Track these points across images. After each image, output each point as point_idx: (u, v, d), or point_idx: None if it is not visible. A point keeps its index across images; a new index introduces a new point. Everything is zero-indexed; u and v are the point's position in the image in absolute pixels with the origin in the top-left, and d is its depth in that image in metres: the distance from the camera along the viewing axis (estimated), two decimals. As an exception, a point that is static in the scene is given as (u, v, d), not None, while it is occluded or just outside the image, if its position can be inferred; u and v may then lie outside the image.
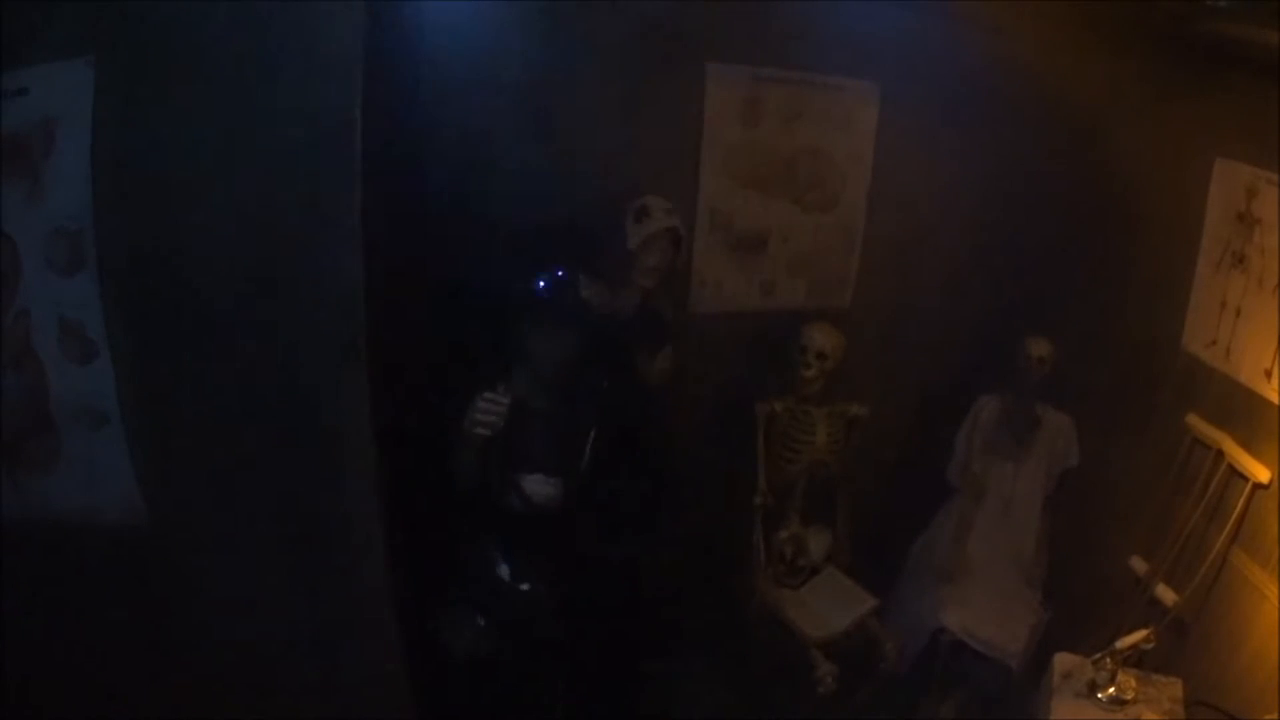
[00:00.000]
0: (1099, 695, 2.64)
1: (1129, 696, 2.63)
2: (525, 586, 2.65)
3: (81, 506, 2.25)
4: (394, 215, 2.40)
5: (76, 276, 2.15)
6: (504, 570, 2.64)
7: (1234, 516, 2.86)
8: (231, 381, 2.17)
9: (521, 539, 2.64)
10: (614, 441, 2.66)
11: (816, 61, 3.22)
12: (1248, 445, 2.89)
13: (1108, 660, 2.64)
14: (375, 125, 2.08)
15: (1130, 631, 2.70)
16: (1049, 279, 3.44)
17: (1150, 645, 2.64)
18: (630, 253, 2.86)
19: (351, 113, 2.04)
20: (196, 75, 2.07)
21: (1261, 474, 2.79)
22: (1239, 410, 2.97)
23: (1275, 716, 2.48)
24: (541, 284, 2.52)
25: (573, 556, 2.69)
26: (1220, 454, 2.96)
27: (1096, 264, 3.44)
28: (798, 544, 3.30)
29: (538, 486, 2.58)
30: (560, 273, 2.54)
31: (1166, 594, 3.02)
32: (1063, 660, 2.79)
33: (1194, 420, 3.12)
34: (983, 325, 3.50)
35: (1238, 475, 2.89)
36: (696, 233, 3.24)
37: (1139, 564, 3.21)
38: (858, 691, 3.16)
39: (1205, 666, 2.82)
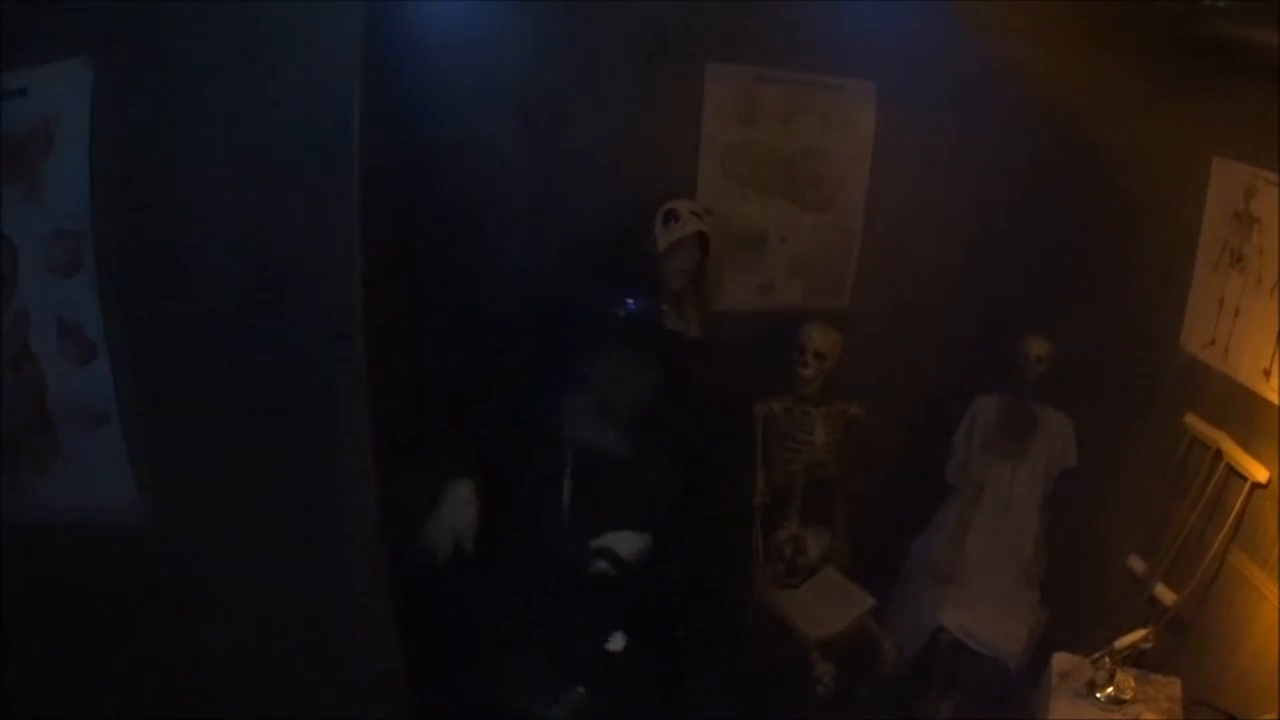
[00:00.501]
0: (1098, 695, 2.64)
1: (1128, 696, 2.63)
2: (624, 651, 2.35)
3: (80, 506, 2.24)
4: (393, 216, 2.40)
5: (75, 277, 2.15)
6: (617, 640, 2.31)
7: (1232, 516, 2.86)
8: (230, 381, 2.17)
9: (599, 600, 2.33)
10: (695, 483, 2.42)
11: (815, 61, 3.22)
12: (1246, 445, 2.89)
13: (1106, 660, 2.64)
14: (374, 126, 2.08)
15: (1129, 631, 2.70)
16: (1048, 279, 3.44)
17: (1149, 645, 2.64)
18: (658, 256, 2.85)
19: (350, 113, 2.04)
20: (196, 75, 2.07)
21: (1260, 473, 2.80)
22: (1237, 410, 2.97)
23: (1274, 716, 2.48)
24: (622, 314, 2.31)
25: (657, 610, 2.41)
26: (1219, 454, 2.96)
27: (1095, 264, 3.44)
28: (796, 544, 3.30)
29: (628, 545, 2.29)
30: (638, 301, 2.36)
31: (1165, 593, 3.02)
32: (1061, 660, 2.80)
33: (1192, 420, 3.13)
34: (981, 325, 3.50)
35: (1236, 475, 2.89)
36: (695, 232, 3.24)
37: (1137, 563, 3.21)
38: (856, 691, 3.17)
39: (1204, 666, 2.82)
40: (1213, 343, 3.12)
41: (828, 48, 3.18)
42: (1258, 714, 2.53)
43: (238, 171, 2.09)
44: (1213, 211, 3.14)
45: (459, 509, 2.18)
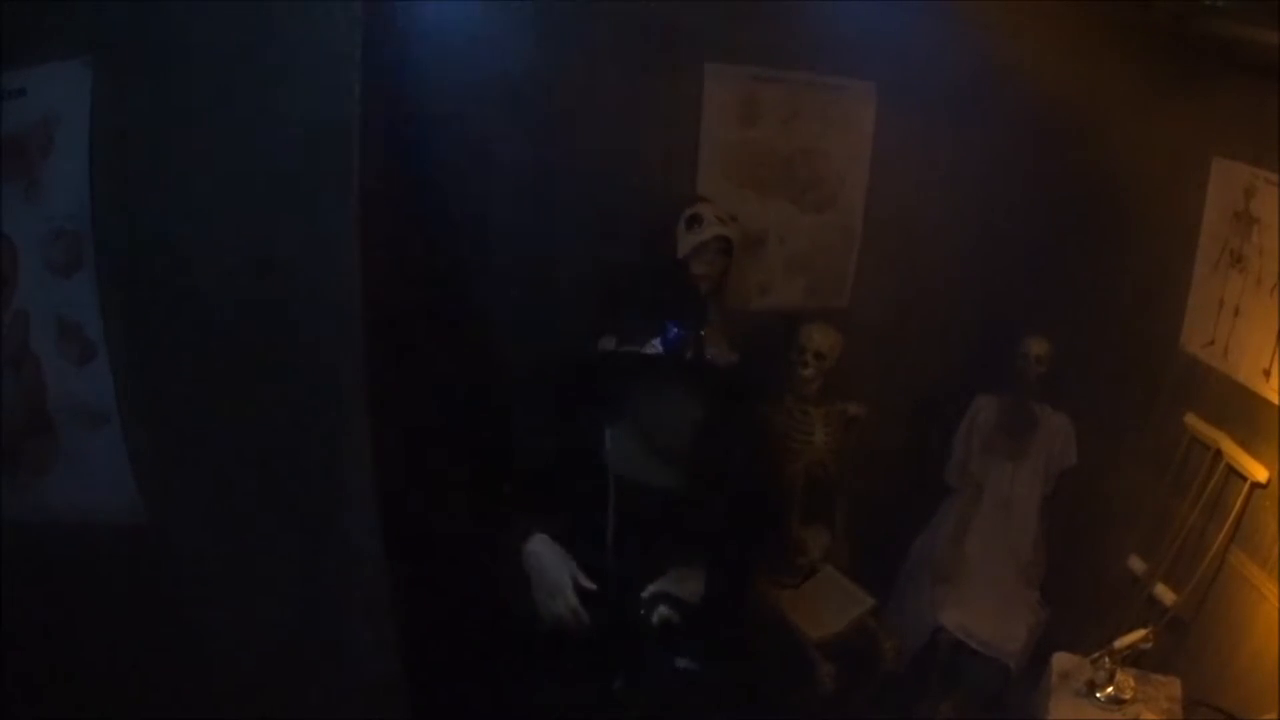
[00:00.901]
0: (1097, 695, 2.64)
1: (1127, 696, 2.63)
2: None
3: (80, 506, 2.25)
4: (392, 217, 2.39)
5: (75, 277, 2.15)
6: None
7: (1232, 516, 2.86)
8: (230, 381, 2.17)
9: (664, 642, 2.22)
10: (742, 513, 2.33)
11: (814, 61, 3.23)
12: (1246, 445, 2.89)
13: (1106, 660, 2.64)
14: (374, 126, 2.08)
15: (1129, 631, 2.70)
16: (1047, 279, 3.44)
17: (1149, 645, 2.64)
18: (680, 261, 2.86)
19: (349, 113, 2.04)
20: (195, 75, 2.07)
21: (1260, 473, 2.80)
22: (1237, 410, 2.97)
23: (1274, 716, 2.48)
24: (661, 345, 2.17)
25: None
26: (1219, 453, 2.96)
27: (1095, 264, 3.44)
28: (796, 544, 3.30)
29: (686, 585, 2.19)
30: (678, 330, 2.19)
31: (1165, 593, 3.02)
32: (1061, 660, 2.79)
33: (1192, 420, 3.13)
34: (981, 325, 3.50)
35: (1236, 475, 2.89)
36: (695, 232, 3.23)
37: (1137, 563, 3.22)
38: (856, 691, 3.16)
39: (1204, 666, 2.82)
40: (1212, 343, 3.12)
41: (828, 48, 3.18)
42: (1258, 714, 2.53)
43: (237, 171, 2.09)
44: (1213, 211, 3.14)
45: (555, 561, 2.14)
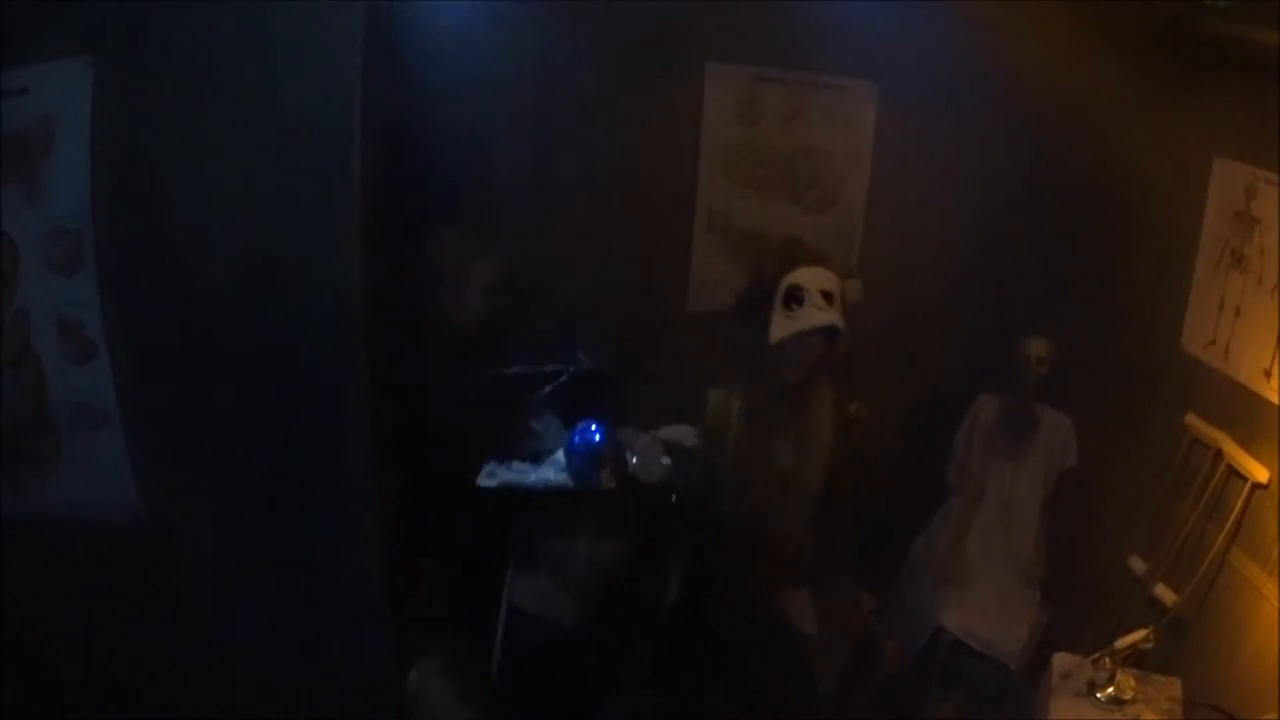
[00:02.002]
0: (1098, 695, 2.64)
1: (1128, 696, 2.63)
2: None
3: (81, 505, 2.25)
4: (392, 217, 2.39)
5: (75, 276, 2.16)
6: None
7: (1233, 516, 2.85)
8: (230, 380, 2.18)
9: None
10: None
11: (815, 61, 3.22)
12: (1247, 445, 2.89)
13: (1107, 660, 2.64)
14: (374, 127, 2.08)
15: (1129, 631, 2.69)
16: (1048, 279, 3.44)
17: (1149, 645, 2.64)
18: (770, 345, 2.32)
19: (350, 113, 2.04)
20: (196, 75, 2.08)
21: (1260, 474, 2.79)
22: (1238, 410, 2.96)
23: (1275, 716, 2.47)
24: (568, 472, 1.71)
25: None
26: (1219, 454, 2.96)
27: (1095, 264, 3.44)
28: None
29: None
30: (594, 429, 1.72)
31: (1165, 594, 3.02)
32: (1062, 660, 2.79)
33: (1193, 420, 3.12)
34: (982, 325, 3.50)
35: (1237, 475, 2.88)
36: (695, 232, 3.24)
37: (1138, 564, 3.21)
38: (857, 691, 3.16)
39: (1204, 666, 2.81)
40: (1213, 343, 3.11)
41: (828, 48, 3.17)
42: (1258, 714, 2.53)
43: (238, 171, 2.09)
44: (1213, 211, 3.14)
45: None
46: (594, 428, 1.77)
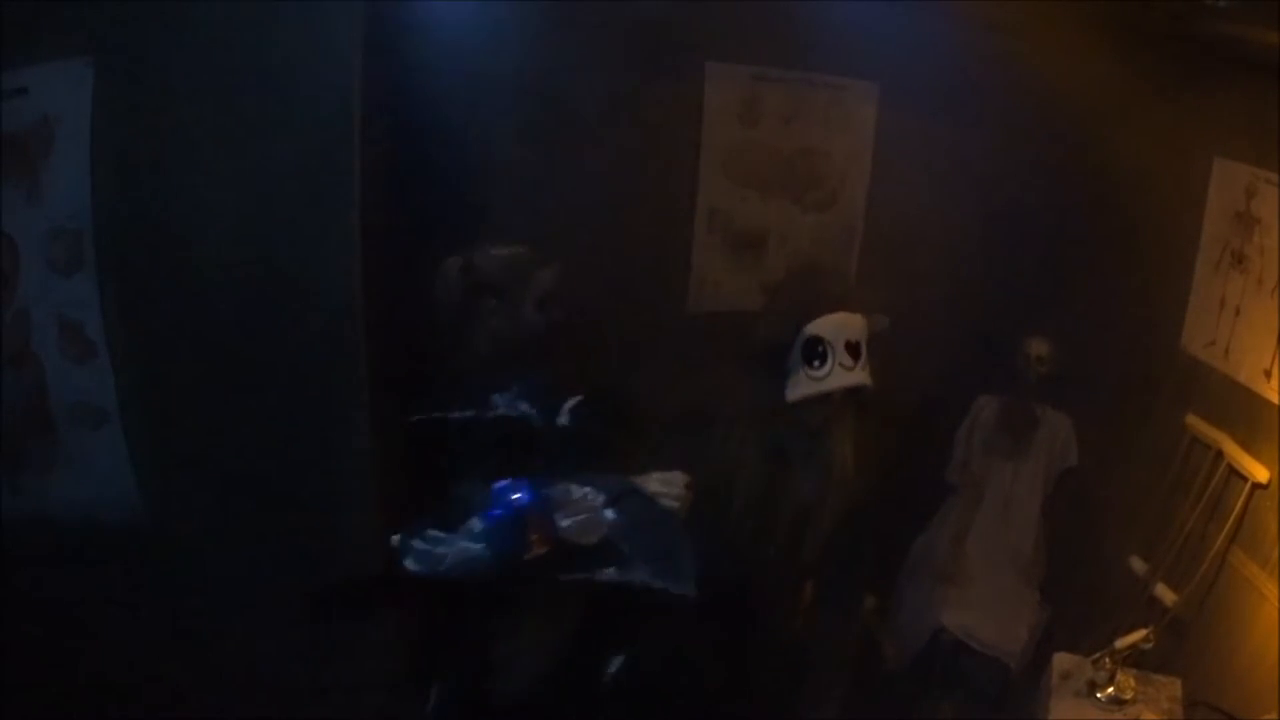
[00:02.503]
0: (1098, 695, 2.64)
1: (1128, 696, 2.63)
2: None
3: (81, 505, 2.25)
4: (392, 217, 2.39)
5: (75, 276, 2.16)
6: None
7: (1233, 516, 2.85)
8: (230, 380, 2.18)
9: None
10: None
11: (815, 61, 3.22)
12: (1247, 445, 2.89)
13: (1107, 660, 2.64)
14: (374, 126, 2.08)
15: (1129, 631, 2.69)
16: (1048, 279, 3.44)
17: (1149, 645, 2.64)
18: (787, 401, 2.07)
19: (350, 113, 2.04)
20: (196, 75, 2.08)
21: (1261, 474, 2.79)
22: (1238, 410, 2.96)
23: (1275, 716, 2.47)
24: (485, 519, 1.40)
25: None
26: (1219, 454, 2.96)
27: (1095, 264, 3.44)
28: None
29: None
30: (517, 489, 1.42)
31: (1165, 594, 3.02)
32: (1062, 660, 2.79)
33: (1193, 420, 3.12)
34: (983, 325, 3.50)
35: (1237, 475, 2.88)
36: (695, 233, 3.24)
37: (1138, 564, 3.21)
38: (856, 691, 3.16)
39: (1204, 666, 2.81)
40: (1213, 343, 3.11)
41: (828, 48, 3.17)
42: (1258, 714, 2.53)
43: (238, 171, 2.09)
44: (1213, 211, 3.14)
45: None
46: (517, 488, 1.48)
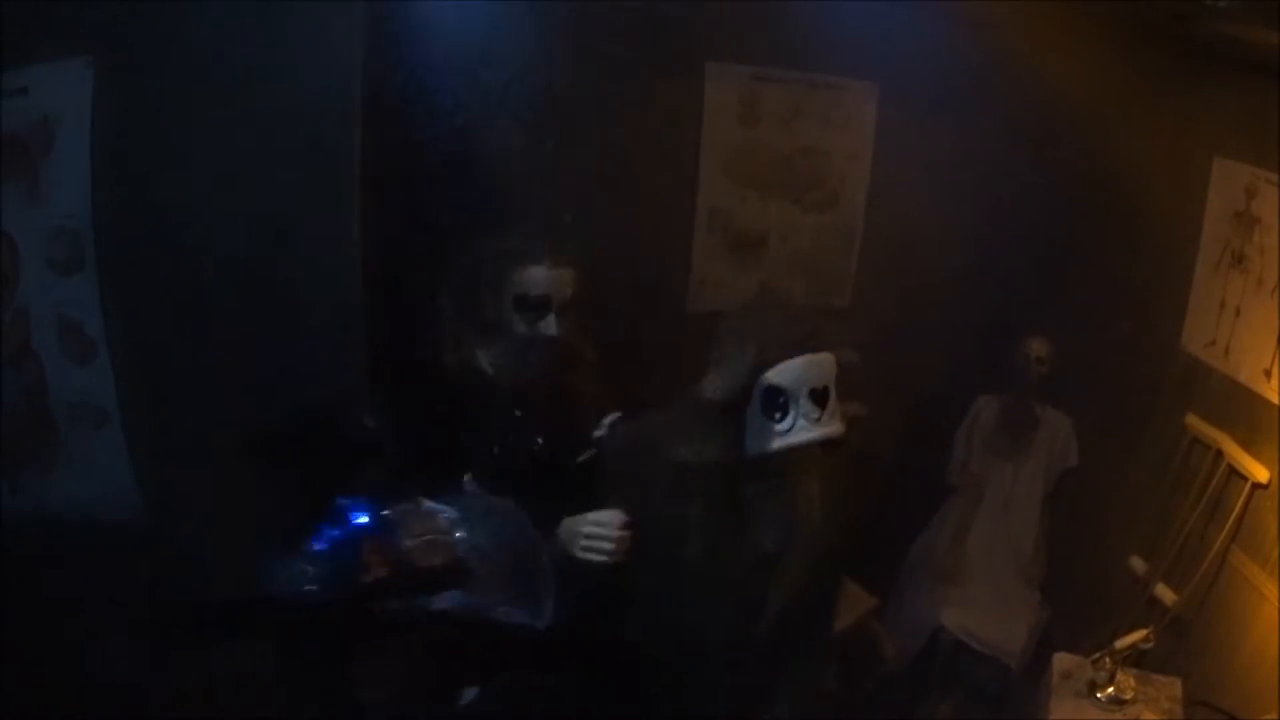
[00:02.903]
0: (1098, 695, 2.64)
1: (1128, 696, 2.63)
2: None
3: (81, 504, 2.25)
4: (392, 217, 2.39)
5: (75, 276, 2.16)
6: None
7: (1233, 516, 2.85)
8: (231, 380, 2.18)
9: None
10: None
11: (816, 61, 3.22)
12: (1247, 445, 2.89)
13: (1107, 660, 2.64)
14: (374, 126, 2.08)
15: (1129, 631, 2.69)
16: (1048, 279, 3.44)
17: (1149, 645, 2.64)
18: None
19: (350, 114, 2.04)
20: (196, 75, 2.08)
21: (1260, 474, 2.79)
22: (1238, 410, 2.96)
23: (1275, 716, 2.47)
24: (320, 544, 1.29)
25: None
26: (1219, 454, 2.96)
27: (1095, 263, 3.44)
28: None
29: None
30: (357, 516, 1.31)
31: (1166, 594, 3.02)
32: (1062, 660, 2.79)
33: (1193, 420, 3.12)
34: (981, 325, 3.50)
35: (1237, 475, 2.89)
36: (695, 232, 3.24)
37: (1138, 564, 3.21)
38: (856, 691, 3.16)
39: (1204, 666, 2.81)
40: (1213, 343, 3.11)
41: (828, 48, 3.17)
42: (1258, 714, 2.53)
43: (238, 171, 2.09)
44: (1213, 211, 3.14)
45: None
46: (358, 506, 1.35)
